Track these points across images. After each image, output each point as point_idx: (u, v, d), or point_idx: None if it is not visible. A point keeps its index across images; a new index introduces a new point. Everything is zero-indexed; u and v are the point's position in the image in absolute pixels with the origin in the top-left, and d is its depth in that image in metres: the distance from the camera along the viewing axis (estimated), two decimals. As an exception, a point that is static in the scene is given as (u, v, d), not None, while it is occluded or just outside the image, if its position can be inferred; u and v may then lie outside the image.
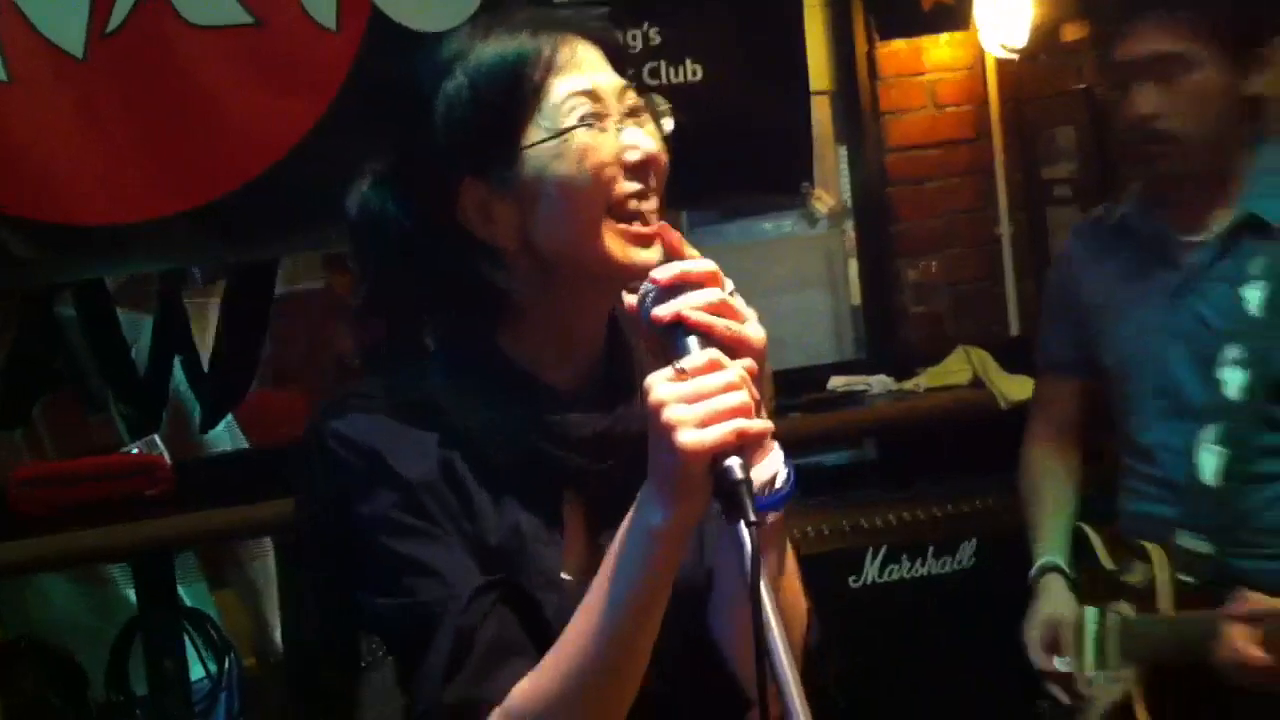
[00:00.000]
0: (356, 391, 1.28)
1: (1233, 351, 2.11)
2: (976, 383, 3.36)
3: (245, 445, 3.17)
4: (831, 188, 3.68)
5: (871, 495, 3.17)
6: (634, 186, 1.25)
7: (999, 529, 3.15)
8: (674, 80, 2.96)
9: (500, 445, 1.25)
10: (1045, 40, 3.42)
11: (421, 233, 1.28)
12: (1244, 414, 2.10)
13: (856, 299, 3.82)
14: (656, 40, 2.97)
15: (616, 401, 1.28)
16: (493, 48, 1.27)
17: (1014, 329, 3.67)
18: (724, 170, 2.90)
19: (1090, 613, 2.26)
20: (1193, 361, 2.15)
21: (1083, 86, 3.36)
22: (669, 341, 1.15)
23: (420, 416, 1.25)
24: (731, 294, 1.19)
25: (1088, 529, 2.36)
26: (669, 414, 1.09)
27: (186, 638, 2.84)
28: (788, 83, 3.13)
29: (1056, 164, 3.50)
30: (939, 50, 3.61)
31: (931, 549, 3.10)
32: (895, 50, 3.59)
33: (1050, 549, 2.35)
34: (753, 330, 1.17)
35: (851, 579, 3.02)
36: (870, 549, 3.05)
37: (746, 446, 1.09)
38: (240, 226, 2.79)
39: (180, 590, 2.91)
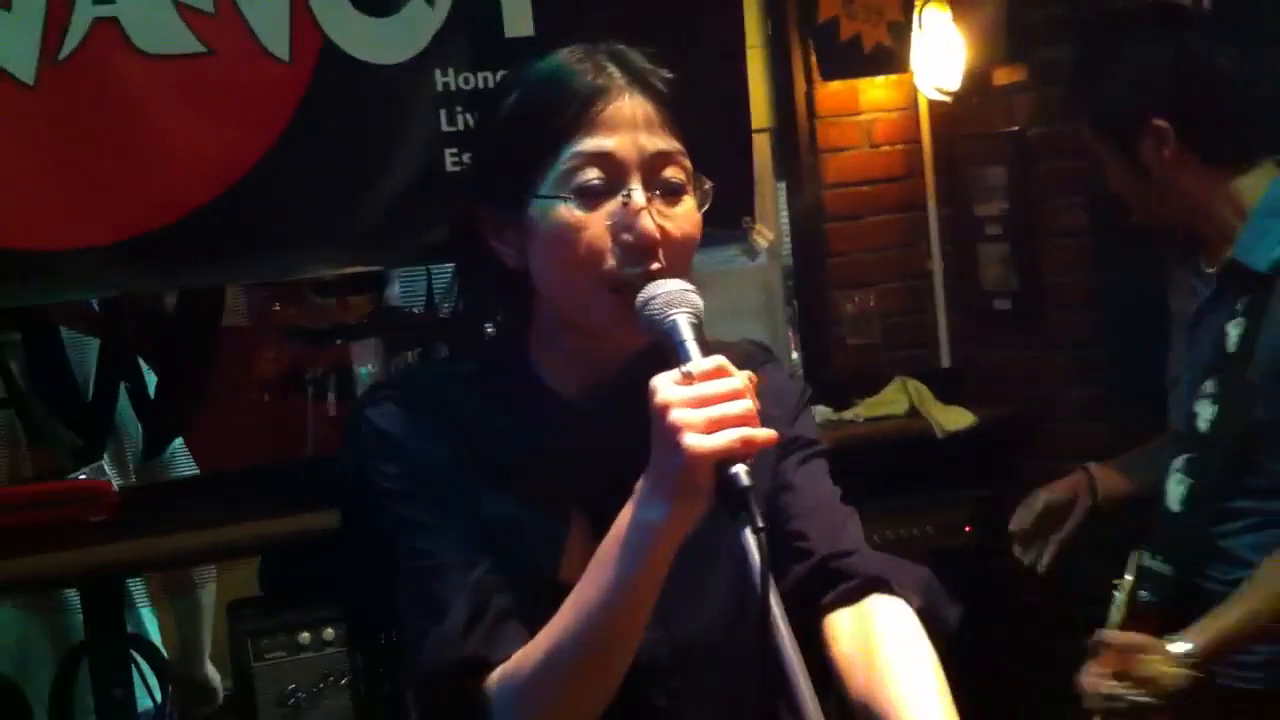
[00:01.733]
0: (392, 383, 1.40)
1: (1208, 385, 2.16)
2: (913, 413, 3.44)
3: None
4: (770, 222, 3.74)
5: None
6: (631, 270, 1.24)
7: (934, 554, 3.23)
8: (620, 116, 3.02)
9: (505, 445, 1.31)
10: (977, 83, 3.51)
11: (458, 241, 1.36)
12: (1211, 447, 2.15)
13: (794, 331, 3.90)
14: (603, 77, 3.03)
15: (630, 421, 1.26)
16: (540, 80, 1.29)
17: (945, 360, 3.75)
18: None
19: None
20: (1189, 390, 2.21)
21: (1014, 129, 3.46)
22: (668, 343, 1.18)
23: (440, 412, 1.32)
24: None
25: None
26: (676, 416, 1.11)
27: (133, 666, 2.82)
28: (729, 120, 3.19)
29: (987, 202, 3.59)
30: (875, 91, 3.70)
31: (871, 574, 3.17)
32: (833, 90, 3.68)
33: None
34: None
35: (792, 604, 3.08)
36: (811, 574, 3.10)
37: (750, 454, 1.11)
38: (186, 255, 2.78)
39: (140, 614, 2.92)
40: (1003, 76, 3.49)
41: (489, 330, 1.42)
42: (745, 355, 1.37)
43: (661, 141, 1.27)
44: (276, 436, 3.98)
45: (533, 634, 1.24)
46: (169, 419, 3.11)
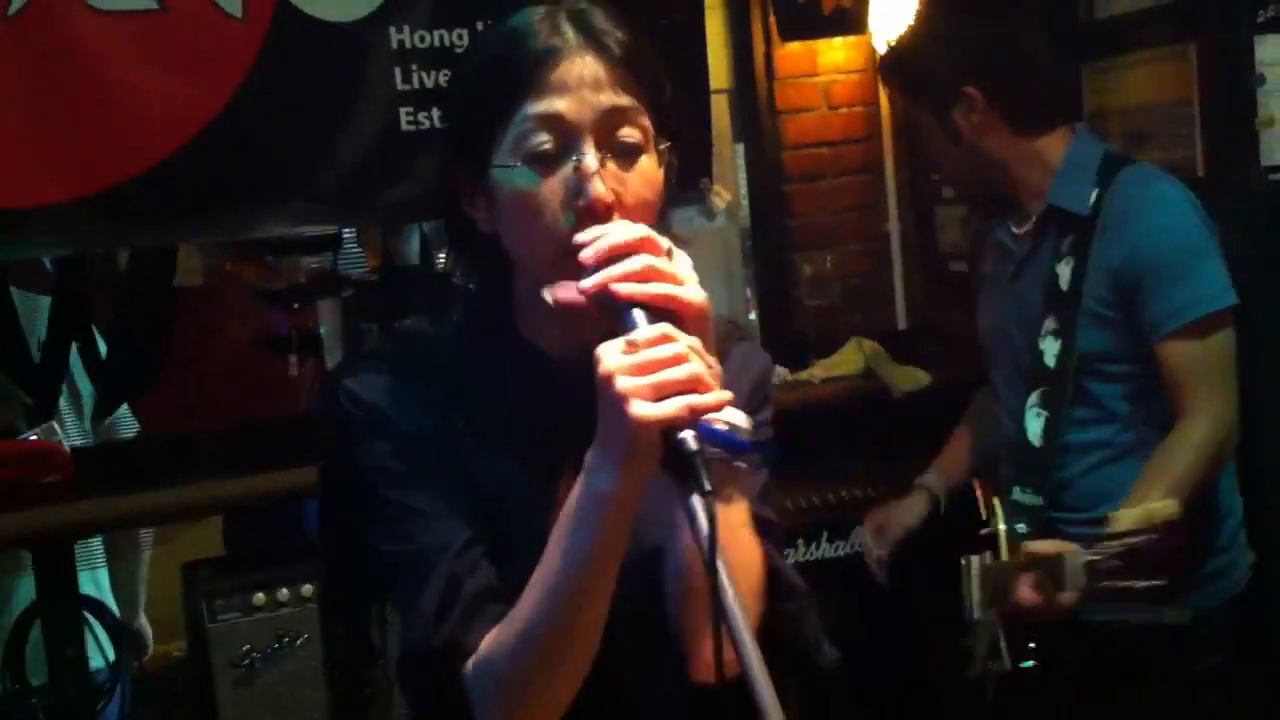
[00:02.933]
0: (369, 352, 1.37)
1: (1049, 323, 2.36)
2: (868, 373, 3.46)
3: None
4: (729, 183, 3.74)
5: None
6: (586, 236, 1.20)
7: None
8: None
9: (497, 407, 1.30)
10: (935, 44, 3.51)
11: (446, 202, 1.35)
12: (1060, 380, 2.34)
13: (753, 292, 3.90)
14: (560, 36, 3.01)
15: None
16: (497, 42, 1.28)
17: (901, 322, 3.78)
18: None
19: (972, 559, 2.39)
20: (1024, 334, 2.42)
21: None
22: (616, 315, 1.16)
23: (425, 377, 1.31)
24: (668, 253, 1.19)
25: (975, 484, 2.55)
26: (621, 384, 1.10)
27: (85, 627, 2.81)
28: (688, 81, 3.19)
29: (944, 164, 3.60)
30: (834, 53, 3.70)
31: (826, 533, 3.20)
32: (792, 52, 3.68)
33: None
34: (691, 293, 1.17)
35: (749, 563, 3.10)
36: (767, 534, 3.13)
37: (698, 419, 1.10)
38: (139, 213, 2.76)
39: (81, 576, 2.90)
40: (961, 39, 3.49)
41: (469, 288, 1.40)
42: (723, 334, 1.34)
43: (614, 102, 1.24)
44: (233, 397, 3.95)
45: (515, 595, 1.23)
46: (121, 379, 3.09)
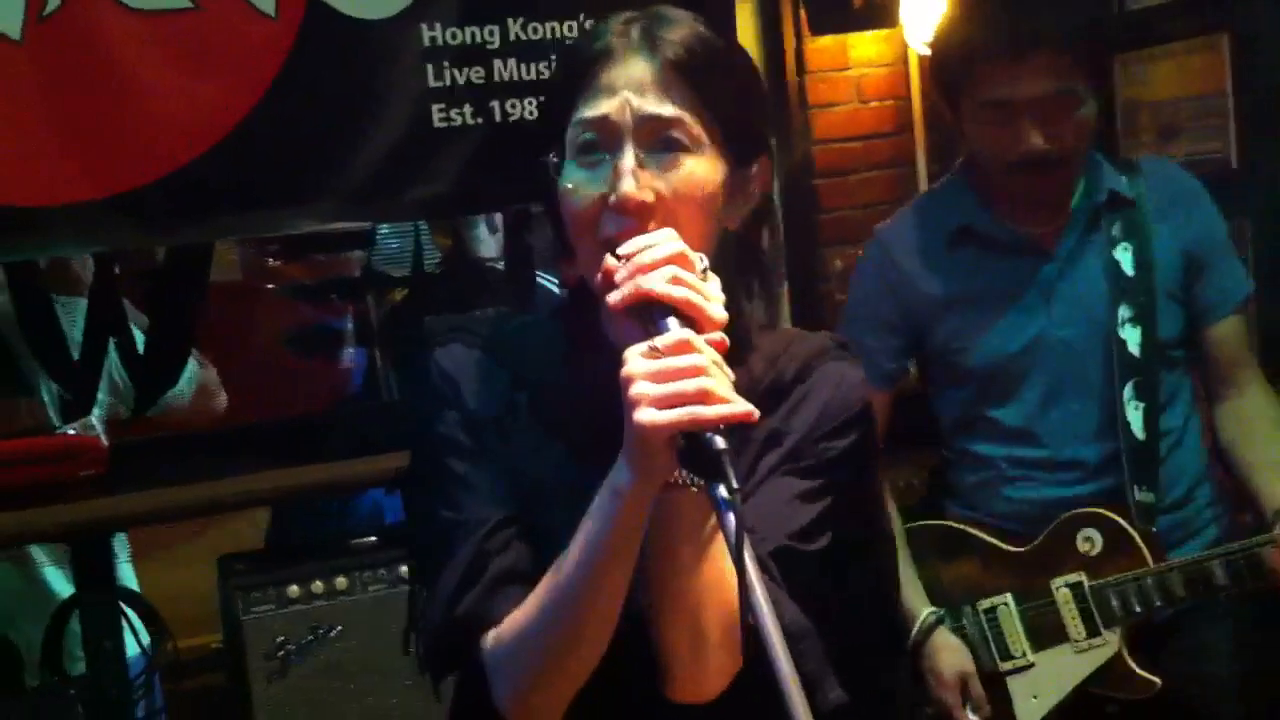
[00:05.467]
0: (464, 325, 1.41)
1: (1124, 311, 2.28)
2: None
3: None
4: (760, 178, 3.75)
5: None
6: (621, 235, 1.25)
7: (919, 502, 3.26)
8: (607, 71, 3.01)
9: (559, 397, 1.35)
10: (966, 38, 3.50)
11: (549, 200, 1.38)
12: (1149, 367, 2.28)
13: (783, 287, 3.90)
14: (592, 33, 3.02)
15: None
16: (571, 46, 1.39)
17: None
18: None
19: (1061, 590, 2.30)
20: (1088, 333, 2.29)
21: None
22: (648, 316, 1.19)
23: (502, 358, 1.37)
24: (703, 273, 1.22)
25: (966, 527, 2.40)
26: (634, 389, 1.15)
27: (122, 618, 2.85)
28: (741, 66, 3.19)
29: (976, 158, 3.59)
30: (865, 47, 3.70)
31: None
32: (823, 46, 3.68)
33: (922, 600, 2.36)
34: (714, 310, 1.20)
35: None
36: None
37: (701, 430, 1.12)
38: (175, 211, 2.78)
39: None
40: (992, 32, 3.48)
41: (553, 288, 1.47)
42: (821, 348, 1.39)
43: (658, 104, 1.28)
44: (270, 392, 3.99)
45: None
46: (158, 374, 3.12)
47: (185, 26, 2.75)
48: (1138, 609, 2.25)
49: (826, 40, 3.66)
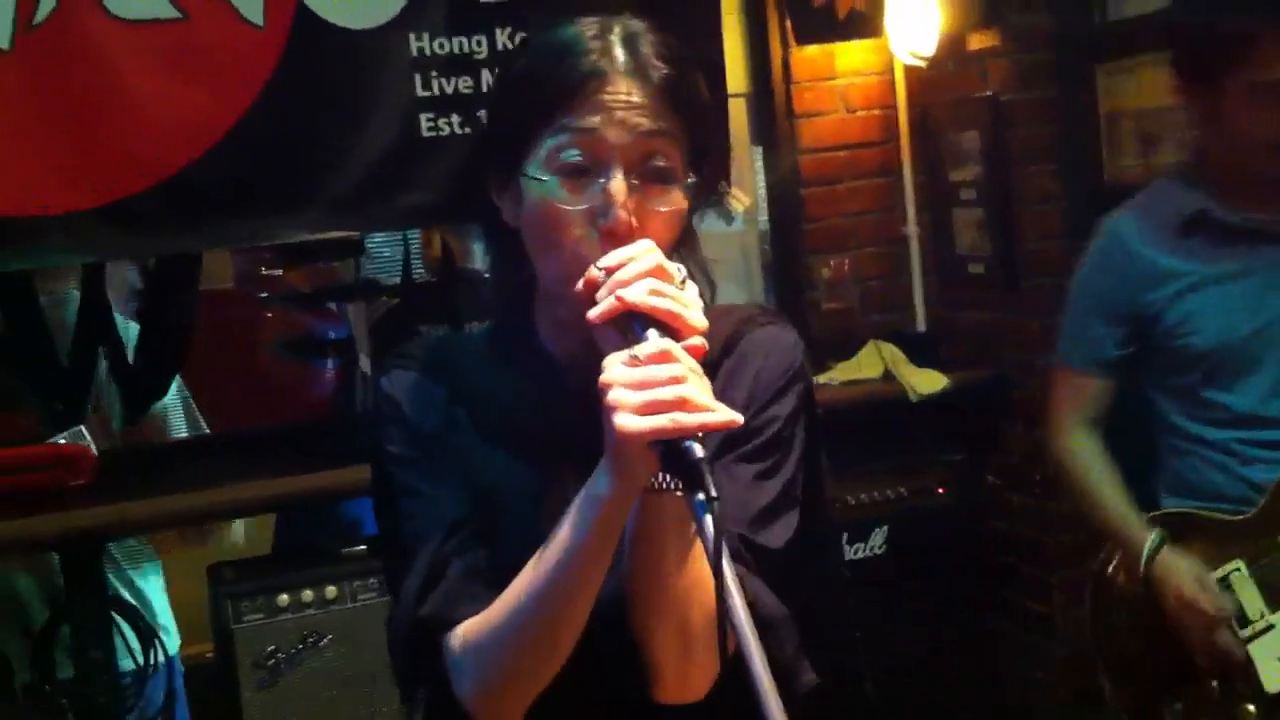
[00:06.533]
0: (401, 351, 1.45)
1: None
2: (887, 376, 3.48)
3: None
4: (747, 187, 3.76)
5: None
6: (608, 261, 1.24)
7: (908, 515, 3.28)
8: (595, 81, 3.02)
9: (499, 406, 1.37)
10: (952, 48, 3.52)
11: (484, 208, 1.40)
12: None
13: (770, 295, 3.92)
14: (579, 41, 3.03)
15: None
16: (549, 51, 1.31)
17: (920, 324, 3.78)
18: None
19: (1239, 565, 2.32)
20: None
21: (988, 94, 3.48)
22: (628, 326, 1.20)
23: (438, 375, 1.40)
24: (682, 283, 1.23)
25: (1185, 509, 2.40)
26: (613, 395, 1.15)
27: (115, 627, 2.85)
28: (706, 85, 3.21)
29: (961, 167, 3.61)
30: (851, 56, 3.71)
31: (845, 535, 3.22)
32: (809, 55, 3.69)
33: (1147, 526, 2.39)
34: (695, 318, 1.21)
35: (767, 565, 3.12)
36: (785, 536, 3.15)
37: (681, 437, 1.12)
38: (165, 220, 2.80)
39: (131, 574, 2.94)
40: (977, 42, 3.51)
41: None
42: (742, 319, 1.40)
43: (650, 130, 1.27)
44: (259, 401, 3.99)
45: (502, 581, 1.28)
46: (148, 384, 3.12)
47: (174, 36, 2.76)
48: None
49: (813, 50, 3.67)
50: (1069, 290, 2.54)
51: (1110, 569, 2.46)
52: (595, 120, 1.27)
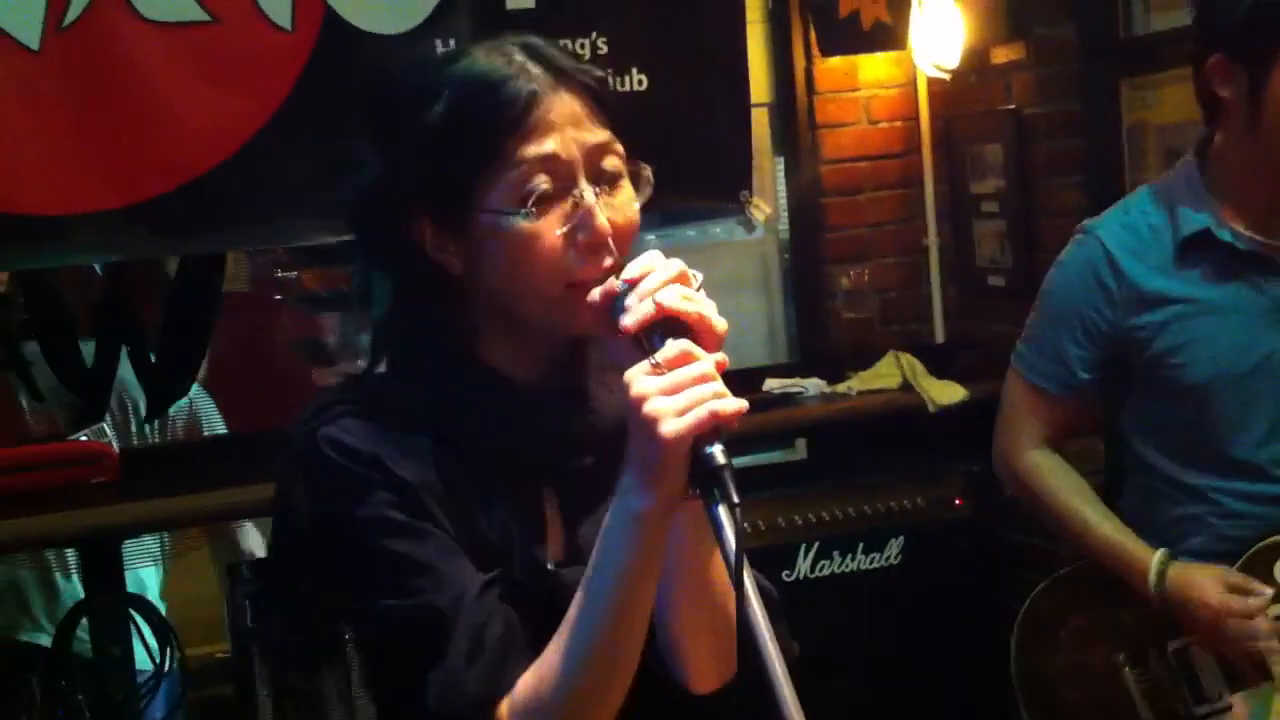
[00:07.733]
0: (338, 399, 1.32)
1: None
2: (906, 387, 3.47)
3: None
4: (768, 196, 3.77)
5: (806, 493, 3.25)
6: (591, 271, 1.25)
7: (925, 526, 3.28)
8: (620, 89, 3.02)
9: (480, 444, 1.30)
10: (975, 61, 3.53)
11: (386, 243, 1.33)
12: None
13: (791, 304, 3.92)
14: (603, 50, 3.03)
15: (581, 397, 1.32)
16: (467, 87, 1.26)
17: (939, 336, 3.78)
18: (666, 177, 2.97)
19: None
20: None
21: (1011, 107, 3.48)
22: (644, 337, 1.19)
23: (407, 422, 1.29)
24: (699, 289, 1.23)
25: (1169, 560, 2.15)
26: (650, 407, 1.13)
27: (132, 625, 2.86)
28: (729, 95, 3.23)
29: (983, 179, 3.61)
30: (874, 68, 3.72)
31: (861, 545, 3.21)
32: (832, 66, 3.70)
33: (1143, 547, 2.15)
34: (719, 323, 1.21)
35: (784, 573, 3.13)
36: (803, 545, 3.16)
37: (722, 428, 1.13)
38: (190, 221, 2.81)
39: (141, 574, 2.96)
40: (1001, 54, 3.51)
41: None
42: None
43: (596, 134, 1.27)
44: (280, 401, 4.01)
45: (526, 629, 1.25)
46: (170, 382, 3.14)
47: (203, 38, 2.78)
48: None
49: (836, 61, 3.68)
50: (1041, 290, 2.28)
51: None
52: (550, 144, 1.24)
